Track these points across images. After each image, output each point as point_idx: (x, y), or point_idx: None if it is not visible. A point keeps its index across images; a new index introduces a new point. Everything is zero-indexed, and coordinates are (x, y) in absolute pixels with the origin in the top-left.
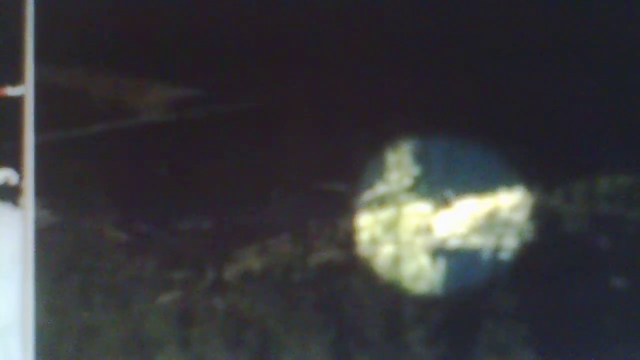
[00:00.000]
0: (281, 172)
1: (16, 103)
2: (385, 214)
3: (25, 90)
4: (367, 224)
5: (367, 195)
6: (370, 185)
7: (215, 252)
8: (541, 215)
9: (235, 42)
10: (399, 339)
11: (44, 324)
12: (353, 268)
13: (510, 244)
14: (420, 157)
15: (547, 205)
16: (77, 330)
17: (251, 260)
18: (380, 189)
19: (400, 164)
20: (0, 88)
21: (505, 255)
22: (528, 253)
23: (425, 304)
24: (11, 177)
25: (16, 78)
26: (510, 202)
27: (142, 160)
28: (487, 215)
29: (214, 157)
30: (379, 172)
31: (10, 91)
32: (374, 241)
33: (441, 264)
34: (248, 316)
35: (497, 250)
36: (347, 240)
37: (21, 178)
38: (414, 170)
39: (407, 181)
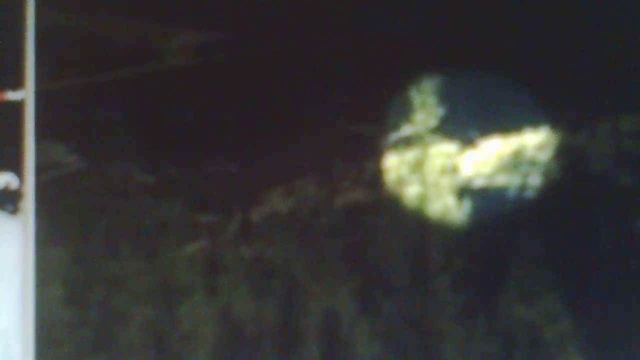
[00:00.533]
0: (307, 115)
1: (17, 107)
2: (411, 154)
3: (26, 94)
4: (393, 165)
5: (393, 136)
6: (396, 126)
7: (242, 194)
8: (566, 154)
9: None
10: (425, 285)
11: (72, 273)
12: (379, 209)
13: (535, 182)
14: (445, 98)
15: (572, 143)
16: (106, 275)
17: (278, 202)
18: (406, 130)
19: (425, 105)
20: (0, 92)
21: (530, 194)
22: (554, 192)
23: (452, 246)
24: (12, 181)
25: (17, 83)
26: (535, 141)
27: (169, 105)
28: (512, 155)
29: (240, 101)
30: (405, 113)
31: (11, 95)
32: (400, 182)
33: (467, 204)
34: (274, 261)
35: (522, 189)
36: (373, 181)
37: (22, 182)
38: (439, 110)
39: (433, 122)
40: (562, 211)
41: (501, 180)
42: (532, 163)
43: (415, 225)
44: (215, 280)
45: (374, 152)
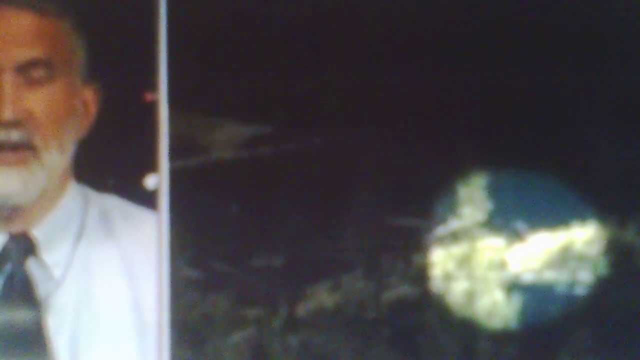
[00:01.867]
0: (353, 208)
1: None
2: (459, 249)
3: (159, 94)
4: (440, 260)
5: (440, 230)
6: (443, 220)
7: (288, 289)
8: (615, 249)
9: (305, 78)
10: None
11: None
12: (427, 304)
13: (584, 278)
14: (493, 191)
15: (621, 238)
16: None
17: (324, 296)
18: (453, 223)
19: (472, 199)
20: (142, 94)
21: (580, 290)
22: (603, 287)
23: (501, 339)
24: (158, 181)
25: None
26: (583, 236)
27: (214, 198)
28: (561, 250)
29: (286, 194)
30: (452, 206)
31: (151, 96)
32: (448, 276)
33: (516, 299)
34: (322, 353)
35: (571, 284)
36: (421, 275)
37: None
38: (487, 204)
39: (480, 216)
40: (612, 308)
41: (549, 275)
42: (581, 258)
43: (463, 318)
44: None
45: (421, 246)
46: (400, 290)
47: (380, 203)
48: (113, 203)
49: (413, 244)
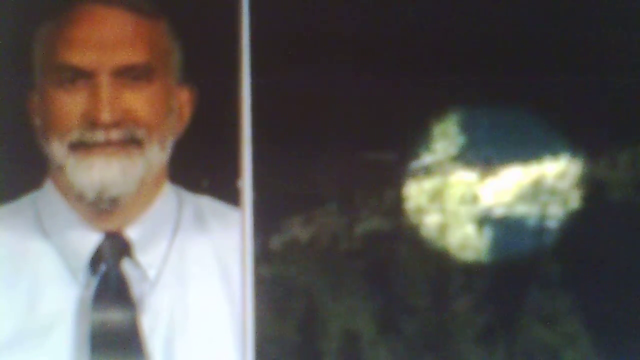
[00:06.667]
0: (326, 142)
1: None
2: (431, 183)
3: (243, 91)
4: (413, 193)
5: (413, 164)
6: (416, 154)
7: (261, 222)
8: (586, 183)
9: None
10: (445, 307)
11: None
12: (399, 237)
13: (555, 212)
14: (466, 126)
15: (592, 172)
16: None
17: (297, 230)
18: (426, 158)
19: (446, 133)
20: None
21: (550, 224)
22: (573, 221)
23: (471, 272)
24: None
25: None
26: (555, 170)
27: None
28: (532, 184)
29: (258, 127)
30: (425, 141)
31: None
32: (420, 210)
33: (487, 233)
34: (294, 285)
35: (542, 218)
36: (393, 209)
37: (241, 176)
38: (460, 139)
39: (453, 150)
40: (582, 242)
41: (521, 209)
42: (553, 192)
43: (435, 251)
44: None
45: (394, 180)
46: (372, 223)
47: (353, 137)
48: (206, 204)
49: (386, 178)
